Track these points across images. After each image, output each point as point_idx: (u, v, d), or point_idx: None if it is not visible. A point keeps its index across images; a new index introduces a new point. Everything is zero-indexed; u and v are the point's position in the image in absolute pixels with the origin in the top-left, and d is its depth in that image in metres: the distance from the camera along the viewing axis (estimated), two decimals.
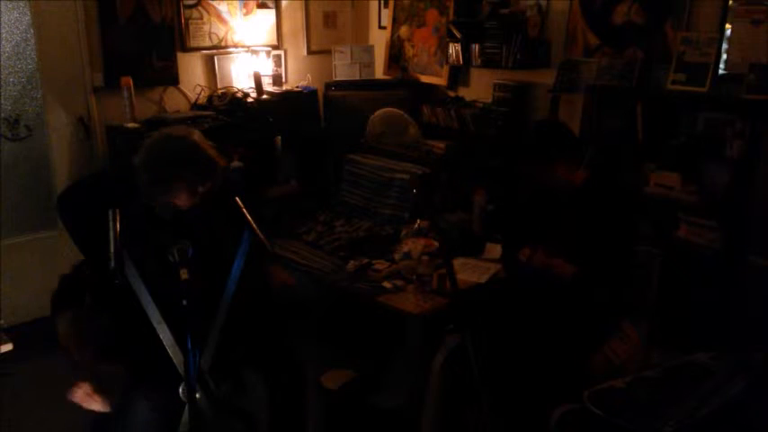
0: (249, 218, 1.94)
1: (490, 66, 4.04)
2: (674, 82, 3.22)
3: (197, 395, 1.90)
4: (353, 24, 5.08)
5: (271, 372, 2.23)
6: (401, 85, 4.68)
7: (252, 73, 4.36)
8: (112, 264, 1.63)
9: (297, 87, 4.65)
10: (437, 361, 2.50)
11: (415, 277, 2.86)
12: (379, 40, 4.96)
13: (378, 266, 3.07)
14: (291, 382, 2.32)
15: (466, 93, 4.45)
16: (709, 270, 2.96)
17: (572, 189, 2.54)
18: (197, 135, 2.21)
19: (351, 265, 3.10)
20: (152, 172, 2.10)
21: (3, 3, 3.43)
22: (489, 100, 4.16)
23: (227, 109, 4.15)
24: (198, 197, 2.17)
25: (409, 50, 4.78)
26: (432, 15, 4.57)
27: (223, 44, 4.36)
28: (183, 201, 2.15)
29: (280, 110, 4.33)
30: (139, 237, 2.02)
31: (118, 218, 1.75)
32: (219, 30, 4.33)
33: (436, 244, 3.06)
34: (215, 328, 1.97)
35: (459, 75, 4.49)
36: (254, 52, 4.45)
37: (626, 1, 3.49)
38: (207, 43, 4.29)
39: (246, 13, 4.45)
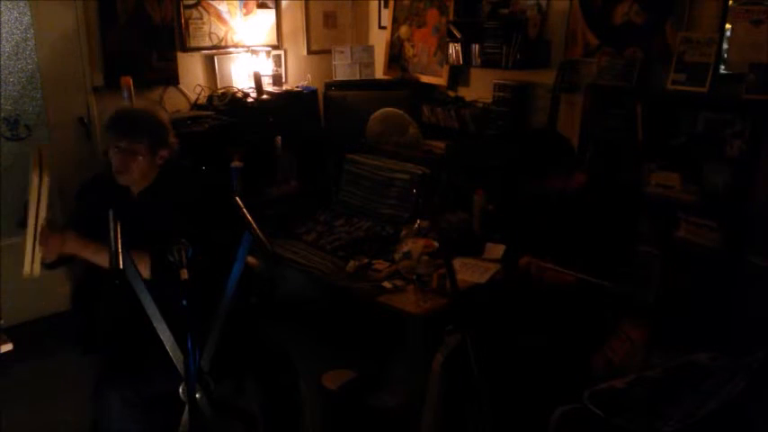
0: (249, 218, 1.94)
1: (490, 66, 4.04)
2: (674, 82, 3.22)
3: (197, 395, 1.90)
4: (353, 24, 5.08)
5: (264, 372, 2.23)
6: (401, 85, 4.68)
7: (252, 73, 4.36)
8: (113, 264, 1.63)
9: (297, 87, 4.65)
10: (437, 361, 2.49)
11: (415, 277, 2.86)
12: (379, 40, 4.96)
13: (378, 266, 3.07)
14: (285, 382, 2.31)
15: (466, 93, 4.45)
16: (709, 270, 2.96)
17: (568, 195, 2.54)
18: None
19: (351, 265, 3.10)
20: (113, 129, 2.13)
21: (3, 3, 3.43)
22: (489, 100, 4.16)
23: (227, 109, 4.15)
24: (155, 167, 2.18)
25: (409, 50, 4.78)
26: (432, 15, 4.57)
27: (223, 44, 4.37)
28: (139, 166, 2.15)
29: (280, 110, 4.33)
30: (139, 235, 2.02)
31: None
32: (219, 30, 4.33)
33: (436, 244, 3.06)
34: (215, 328, 1.97)
35: (459, 75, 4.49)
36: (254, 52, 4.45)
37: (626, 1, 3.49)
38: (207, 43, 4.29)
39: (246, 13, 4.45)
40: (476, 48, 4.09)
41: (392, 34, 4.88)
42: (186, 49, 4.19)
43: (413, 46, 4.75)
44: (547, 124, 3.76)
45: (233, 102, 4.22)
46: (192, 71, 4.26)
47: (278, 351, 2.34)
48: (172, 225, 2.02)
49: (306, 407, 2.38)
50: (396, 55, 4.88)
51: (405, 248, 3.09)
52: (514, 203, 2.92)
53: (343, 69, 4.69)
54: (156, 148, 2.17)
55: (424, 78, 4.68)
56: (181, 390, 1.90)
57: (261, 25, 4.54)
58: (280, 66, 4.65)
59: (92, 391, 2.10)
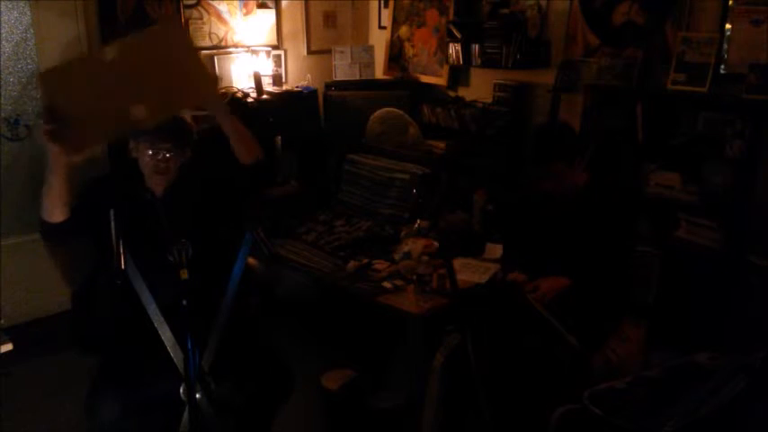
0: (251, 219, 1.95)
1: (490, 66, 4.04)
2: (674, 82, 3.22)
3: (197, 395, 1.90)
4: (353, 24, 5.08)
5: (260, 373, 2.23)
6: (401, 85, 4.68)
7: (252, 73, 4.36)
8: (114, 264, 1.63)
9: (297, 87, 4.65)
10: (437, 361, 2.50)
11: (415, 277, 2.86)
12: (379, 40, 4.96)
13: (378, 266, 3.07)
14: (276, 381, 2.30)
15: (466, 93, 4.45)
16: (709, 270, 2.96)
17: (568, 195, 2.54)
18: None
19: (351, 265, 3.10)
20: (160, 134, 2.17)
21: (3, 3, 3.42)
22: (489, 100, 4.16)
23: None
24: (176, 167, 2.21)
25: (409, 50, 4.78)
26: (432, 15, 4.57)
27: (223, 44, 4.36)
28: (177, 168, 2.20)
29: (280, 110, 4.33)
30: (140, 235, 2.02)
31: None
32: (219, 30, 4.33)
33: (436, 244, 3.06)
34: (216, 328, 1.97)
35: (459, 75, 4.49)
36: (254, 52, 4.45)
37: (626, 1, 3.49)
38: (207, 43, 4.29)
39: (246, 13, 4.45)
40: (476, 48, 4.09)
41: (392, 34, 4.88)
42: None
43: (413, 46, 4.75)
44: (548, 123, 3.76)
45: (233, 102, 4.21)
46: None
47: (274, 359, 2.32)
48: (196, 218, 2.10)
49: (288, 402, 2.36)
50: (396, 55, 4.88)
51: (405, 248, 3.10)
52: (514, 204, 2.92)
53: (343, 69, 4.69)
54: (186, 149, 2.25)
55: (424, 78, 4.68)
56: (181, 390, 1.91)
57: (261, 25, 4.54)
58: (280, 66, 4.65)
59: (86, 396, 2.08)
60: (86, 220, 2.09)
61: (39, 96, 3.65)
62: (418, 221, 3.30)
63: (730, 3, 3.05)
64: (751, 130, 2.90)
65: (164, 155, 2.15)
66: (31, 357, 3.09)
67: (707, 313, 2.86)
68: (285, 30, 4.71)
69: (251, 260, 2.44)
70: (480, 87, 4.32)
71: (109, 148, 3.89)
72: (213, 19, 4.29)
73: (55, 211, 2.03)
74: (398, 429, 2.78)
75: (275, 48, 4.64)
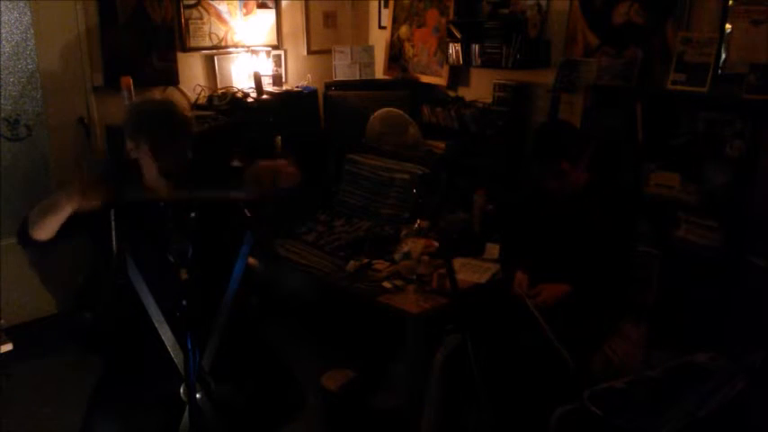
0: (251, 218, 1.95)
1: (490, 66, 4.04)
2: (674, 82, 3.22)
3: (197, 395, 1.90)
4: (353, 24, 5.08)
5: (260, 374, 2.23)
6: (401, 85, 4.68)
7: (252, 73, 4.36)
8: (114, 264, 1.63)
9: (297, 87, 4.65)
10: (437, 361, 2.50)
11: (415, 277, 2.86)
12: (379, 40, 4.97)
13: (378, 266, 3.07)
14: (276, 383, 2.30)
15: (466, 93, 4.45)
16: (709, 270, 2.96)
17: (575, 192, 2.54)
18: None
19: (351, 265, 3.10)
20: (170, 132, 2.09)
21: (3, 3, 3.43)
22: (489, 100, 4.16)
23: (227, 109, 4.15)
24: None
25: (409, 50, 4.78)
26: (432, 15, 4.57)
27: (223, 44, 4.37)
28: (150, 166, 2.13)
29: (280, 110, 4.33)
30: (141, 235, 2.02)
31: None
32: (219, 30, 4.33)
33: (436, 244, 3.06)
34: (216, 328, 1.97)
35: (459, 75, 4.49)
36: (254, 52, 4.45)
37: (626, 1, 3.49)
38: (207, 43, 4.29)
39: (246, 13, 4.45)
40: (476, 48, 4.09)
41: (392, 34, 4.88)
42: (186, 49, 4.19)
43: (413, 46, 4.75)
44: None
45: (233, 102, 4.21)
46: (192, 71, 4.25)
47: (274, 359, 2.31)
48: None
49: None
50: (396, 55, 4.88)
51: (405, 248, 3.10)
52: (514, 204, 2.92)
53: (343, 69, 4.69)
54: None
55: (424, 78, 4.68)
56: (181, 390, 1.91)
57: (261, 25, 4.54)
58: (280, 66, 4.65)
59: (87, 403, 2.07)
60: (85, 220, 2.09)
61: (39, 96, 3.66)
62: (418, 221, 3.30)
63: (730, 3, 3.05)
64: (751, 130, 2.90)
65: (172, 154, 2.11)
66: (31, 357, 3.09)
67: (707, 313, 2.86)
68: (285, 30, 4.72)
69: (251, 260, 2.44)
70: (480, 87, 4.32)
71: (109, 147, 3.90)
72: (213, 19, 4.29)
73: (44, 231, 2.00)
74: (398, 429, 2.78)
75: (275, 48, 4.64)
